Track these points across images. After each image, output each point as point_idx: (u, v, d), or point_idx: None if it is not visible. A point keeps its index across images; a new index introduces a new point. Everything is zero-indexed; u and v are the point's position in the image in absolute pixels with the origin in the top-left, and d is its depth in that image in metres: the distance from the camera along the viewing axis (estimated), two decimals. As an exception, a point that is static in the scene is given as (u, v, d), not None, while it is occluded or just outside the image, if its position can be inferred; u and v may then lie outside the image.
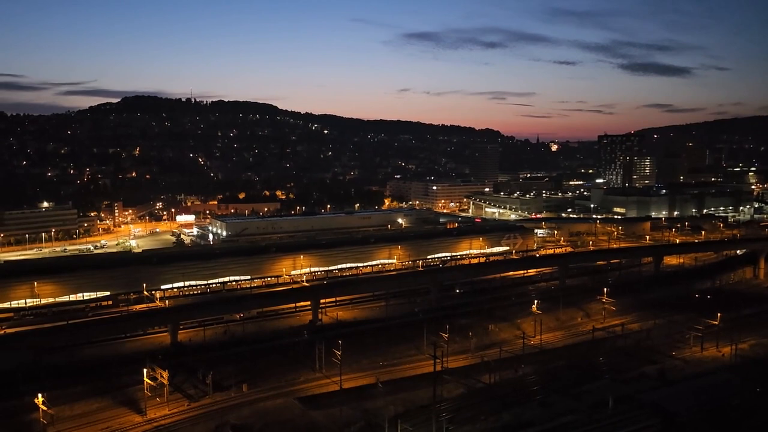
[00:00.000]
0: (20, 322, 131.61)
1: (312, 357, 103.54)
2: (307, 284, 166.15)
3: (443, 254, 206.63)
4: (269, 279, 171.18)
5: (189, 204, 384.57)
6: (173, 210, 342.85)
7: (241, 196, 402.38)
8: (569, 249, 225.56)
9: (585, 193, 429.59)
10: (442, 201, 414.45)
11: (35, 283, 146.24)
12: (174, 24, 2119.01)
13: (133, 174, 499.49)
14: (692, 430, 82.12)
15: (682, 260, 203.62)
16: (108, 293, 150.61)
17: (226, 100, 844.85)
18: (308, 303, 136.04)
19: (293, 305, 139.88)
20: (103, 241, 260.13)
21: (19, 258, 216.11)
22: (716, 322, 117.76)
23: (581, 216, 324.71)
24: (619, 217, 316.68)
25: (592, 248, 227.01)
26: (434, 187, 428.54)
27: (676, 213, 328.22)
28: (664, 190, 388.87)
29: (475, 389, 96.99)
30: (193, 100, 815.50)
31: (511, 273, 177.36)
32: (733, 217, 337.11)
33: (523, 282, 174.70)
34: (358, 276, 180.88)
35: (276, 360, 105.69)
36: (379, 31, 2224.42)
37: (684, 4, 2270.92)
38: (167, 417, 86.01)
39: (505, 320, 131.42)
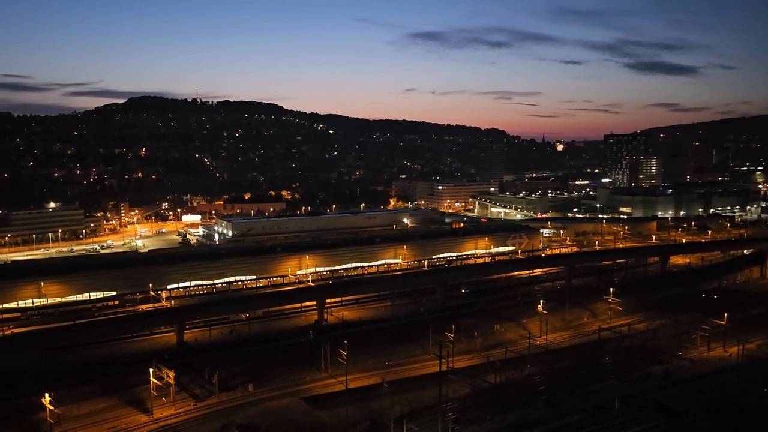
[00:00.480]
0: (27, 322, 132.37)
1: (317, 357, 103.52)
2: (312, 284, 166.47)
3: (449, 254, 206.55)
4: (275, 279, 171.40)
5: (195, 204, 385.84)
6: (179, 210, 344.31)
7: (247, 196, 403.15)
8: (575, 249, 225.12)
9: (591, 192, 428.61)
10: (448, 201, 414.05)
11: (42, 283, 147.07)
12: (179, 25, 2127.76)
13: (139, 174, 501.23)
14: (699, 430, 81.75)
15: (688, 260, 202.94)
16: (114, 293, 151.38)
17: (232, 101, 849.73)
18: (314, 303, 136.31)
19: (299, 305, 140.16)
20: (109, 241, 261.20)
21: (26, 258, 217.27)
22: (723, 322, 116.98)
23: (587, 216, 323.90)
24: (625, 216, 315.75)
25: (598, 248, 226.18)
26: (440, 187, 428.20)
27: (682, 213, 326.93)
28: (670, 190, 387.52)
29: (480, 389, 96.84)
30: (198, 100, 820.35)
31: (516, 273, 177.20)
32: (740, 216, 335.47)
33: (528, 282, 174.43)
34: (364, 276, 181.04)
35: (281, 360, 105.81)
36: (384, 30, 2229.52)
37: (690, 2, 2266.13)
38: (173, 416, 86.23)
39: (510, 320, 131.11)
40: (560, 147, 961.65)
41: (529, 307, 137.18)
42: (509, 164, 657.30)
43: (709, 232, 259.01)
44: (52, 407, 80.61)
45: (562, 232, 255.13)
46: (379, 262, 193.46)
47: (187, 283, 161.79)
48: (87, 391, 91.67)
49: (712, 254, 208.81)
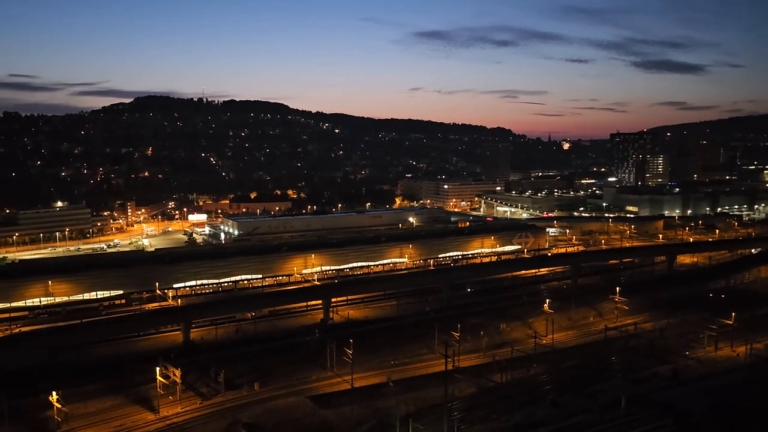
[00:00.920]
0: (35, 321, 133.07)
1: (323, 356, 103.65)
2: (318, 283, 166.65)
3: (454, 253, 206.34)
4: (281, 278, 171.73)
5: (201, 203, 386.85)
6: (185, 209, 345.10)
7: (253, 195, 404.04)
8: (581, 248, 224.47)
9: (597, 191, 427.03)
10: (454, 200, 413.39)
11: (49, 282, 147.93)
12: (185, 24, 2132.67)
13: (146, 173, 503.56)
14: (706, 430, 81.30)
15: (695, 259, 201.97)
16: (121, 292, 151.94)
17: (238, 100, 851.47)
18: (319, 302, 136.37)
19: (304, 304, 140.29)
20: (116, 240, 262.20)
21: (33, 257, 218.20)
22: (730, 322, 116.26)
23: (593, 215, 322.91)
24: (632, 215, 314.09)
25: (604, 247, 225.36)
26: (445, 186, 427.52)
27: (689, 212, 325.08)
28: (677, 189, 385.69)
29: (486, 388, 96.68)
30: (204, 99, 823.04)
31: (522, 272, 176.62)
32: (748, 215, 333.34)
33: (534, 281, 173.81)
34: (369, 275, 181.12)
35: (287, 359, 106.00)
36: (390, 30, 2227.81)
37: (697, 0, 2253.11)
38: (180, 415, 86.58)
39: (516, 319, 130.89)
40: (566, 146, 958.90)
41: (535, 307, 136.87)
42: (515, 163, 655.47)
43: (717, 231, 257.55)
44: (59, 405, 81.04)
45: (568, 231, 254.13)
46: (385, 261, 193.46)
47: (193, 282, 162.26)
48: (94, 389, 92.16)
49: (720, 253, 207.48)
